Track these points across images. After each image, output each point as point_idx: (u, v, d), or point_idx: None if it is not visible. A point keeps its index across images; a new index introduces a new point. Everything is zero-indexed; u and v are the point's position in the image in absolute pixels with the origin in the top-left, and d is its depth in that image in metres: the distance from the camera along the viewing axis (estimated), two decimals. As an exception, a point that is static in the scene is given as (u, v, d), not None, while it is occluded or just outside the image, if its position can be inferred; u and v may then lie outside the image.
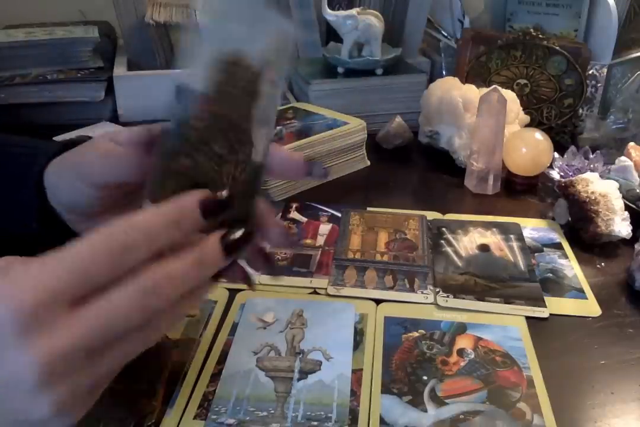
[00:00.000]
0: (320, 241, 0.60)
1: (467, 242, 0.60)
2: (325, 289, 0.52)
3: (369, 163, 0.78)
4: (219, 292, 0.52)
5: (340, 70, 0.88)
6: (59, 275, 0.26)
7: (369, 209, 0.66)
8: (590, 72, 0.83)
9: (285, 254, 0.57)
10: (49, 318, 0.25)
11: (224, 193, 0.31)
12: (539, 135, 0.71)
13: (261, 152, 0.32)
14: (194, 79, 0.33)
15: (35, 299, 0.25)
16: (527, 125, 0.79)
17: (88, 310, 0.26)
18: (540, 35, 0.81)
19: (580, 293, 0.53)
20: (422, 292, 0.52)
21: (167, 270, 0.28)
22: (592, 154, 0.71)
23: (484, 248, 0.59)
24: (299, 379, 0.43)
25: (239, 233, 0.31)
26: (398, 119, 0.82)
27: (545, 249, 0.59)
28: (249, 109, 0.32)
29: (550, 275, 0.55)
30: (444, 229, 0.62)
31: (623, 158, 0.67)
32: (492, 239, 0.60)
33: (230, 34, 0.32)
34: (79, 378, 0.26)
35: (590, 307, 0.51)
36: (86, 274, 0.27)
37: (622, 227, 0.58)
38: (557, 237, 0.62)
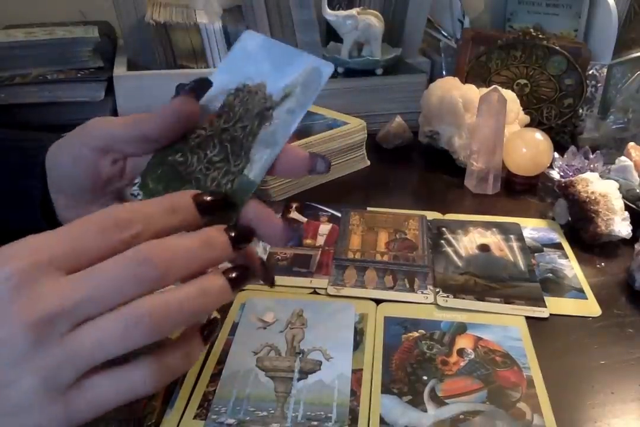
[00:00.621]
0: (320, 241, 0.60)
1: (467, 242, 0.60)
2: (325, 289, 0.52)
3: (369, 163, 0.78)
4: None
5: (340, 70, 0.88)
6: (51, 243, 0.27)
7: (369, 209, 0.66)
8: (590, 72, 0.83)
9: (285, 254, 0.57)
10: (40, 280, 0.26)
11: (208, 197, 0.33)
12: (539, 135, 0.71)
13: (257, 171, 0.35)
14: (208, 101, 0.37)
15: (29, 262, 0.26)
16: (527, 125, 0.79)
17: (78, 276, 0.27)
18: (540, 35, 0.81)
19: (580, 293, 0.53)
20: (422, 292, 0.52)
21: (165, 242, 0.29)
22: (592, 154, 0.71)
23: (484, 248, 0.59)
24: (299, 379, 0.43)
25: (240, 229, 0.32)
26: (398, 119, 0.82)
27: (545, 249, 0.59)
28: (255, 129, 0.35)
29: (550, 275, 0.55)
30: (444, 229, 0.62)
31: (623, 158, 0.67)
32: (492, 239, 0.60)
33: (255, 72, 0.37)
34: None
35: (590, 307, 0.51)
36: (78, 243, 0.28)
37: (622, 227, 0.58)
38: (557, 237, 0.62)
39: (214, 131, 0.36)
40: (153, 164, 0.37)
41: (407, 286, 0.53)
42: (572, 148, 0.73)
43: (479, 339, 0.47)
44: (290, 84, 0.36)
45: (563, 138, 0.83)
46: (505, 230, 0.62)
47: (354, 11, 0.84)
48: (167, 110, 0.36)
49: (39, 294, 0.26)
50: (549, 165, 0.72)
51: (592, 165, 0.70)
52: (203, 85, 0.37)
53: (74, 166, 0.39)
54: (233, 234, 0.31)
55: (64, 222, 0.42)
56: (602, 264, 0.58)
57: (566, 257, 0.58)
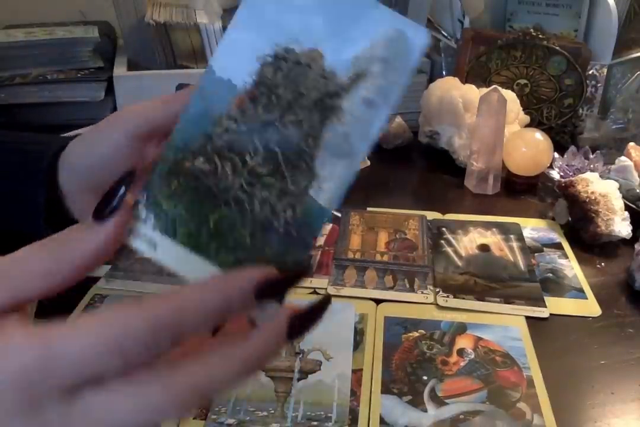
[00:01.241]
0: (320, 240, 0.60)
1: (467, 242, 0.60)
2: (325, 289, 0.52)
3: (369, 163, 0.78)
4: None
5: (340, 70, 0.88)
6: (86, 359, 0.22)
7: (369, 209, 0.66)
8: (590, 72, 0.83)
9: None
10: (42, 406, 0.21)
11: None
12: (539, 135, 0.71)
13: (330, 193, 0.24)
14: (231, 72, 0.24)
15: (26, 380, 0.21)
16: (527, 125, 0.79)
17: (91, 403, 0.22)
18: (540, 35, 0.81)
19: (580, 293, 0.53)
20: (422, 292, 0.52)
21: (209, 370, 0.23)
22: (592, 154, 0.71)
23: (484, 248, 0.59)
24: (299, 379, 0.43)
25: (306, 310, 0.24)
26: (398, 119, 0.82)
27: (545, 249, 0.59)
28: (317, 128, 0.24)
29: (550, 275, 0.55)
30: (444, 229, 0.62)
31: (623, 158, 0.67)
32: (492, 239, 0.60)
33: (300, 29, 0.23)
34: None
35: (590, 307, 0.51)
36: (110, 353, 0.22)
37: (622, 227, 0.58)
38: (557, 237, 0.62)
39: (250, 123, 0.24)
40: (161, 174, 0.25)
41: (407, 286, 0.53)
42: (572, 148, 0.72)
43: (479, 339, 0.47)
44: (362, 56, 0.23)
45: (563, 138, 0.83)
46: (505, 230, 0.62)
47: (354, 11, 0.84)
48: None
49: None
50: (549, 165, 0.72)
51: (592, 165, 0.70)
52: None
53: (114, 157, 0.39)
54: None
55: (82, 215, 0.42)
56: (602, 264, 0.58)
57: (566, 257, 0.58)
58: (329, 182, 0.24)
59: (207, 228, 0.25)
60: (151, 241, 0.25)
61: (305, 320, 0.24)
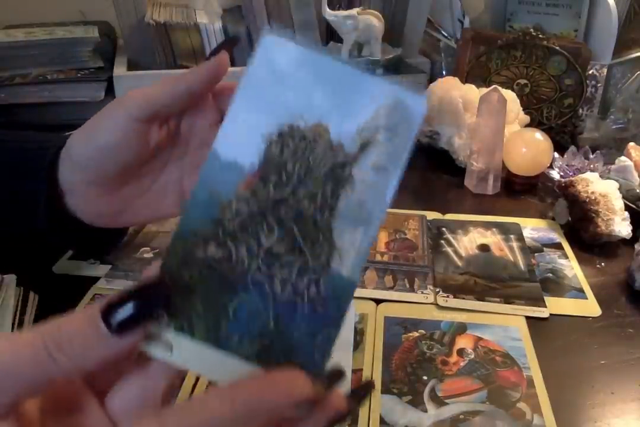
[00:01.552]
0: (320, 241, 0.60)
1: (467, 242, 0.60)
2: (325, 289, 0.52)
3: (369, 163, 0.78)
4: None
5: (340, 70, 0.88)
6: None
7: (369, 209, 0.66)
8: (590, 72, 0.83)
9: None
10: None
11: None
12: (539, 135, 0.71)
13: (351, 262, 0.23)
14: (237, 153, 0.24)
15: None
16: (527, 125, 0.79)
17: None
18: (540, 35, 0.81)
19: (580, 293, 0.53)
20: (422, 292, 0.52)
21: None
22: (592, 154, 0.71)
23: (484, 248, 0.59)
24: (299, 379, 0.43)
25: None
26: (398, 119, 0.82)
27: (545, 249, 0.59)
28: (331, 199, 0.23)
29: (550, 275, 0.55)
30: (444, 229, 0.62)
31: (623, 158, 0.67)
32: (492, 239, 0.60)
33: (303, 105, 0.24)
34: None
35: (590, 307, 0.51)
36: None
37: (622, 227, 0.58)
38: (557, 237, 0.62)
39: (261, 204, 0.24)
40: (171, 267, 0.24)
41: (407, 286, 0.53)
42: (572, 148, 0.73)
43: (479, 339, 0.47)
44: (366, 126, 0.23)
45: (563, 138, 0.83)
46: (505, 230, 0.62)
47: (354, 11, 0.84)
48: (205, 63, 0.37)
49: None
50: (549, 165, 0.72)
51: (592, 165, 0.70)
52: (232, 41, 0.38)
53: (117, 143, 0.39)
54: None
55: (89, 215, 0.42)
56: (602, 264, 0.58)
57: (566, 257, 0.58)
58: (350, 251, 0.23)
59: (226, 319, 0.23)
60: (167, 342, 0.23)
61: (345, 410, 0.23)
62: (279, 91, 0.24)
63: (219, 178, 0.24)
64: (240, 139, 0.24)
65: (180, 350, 0.23)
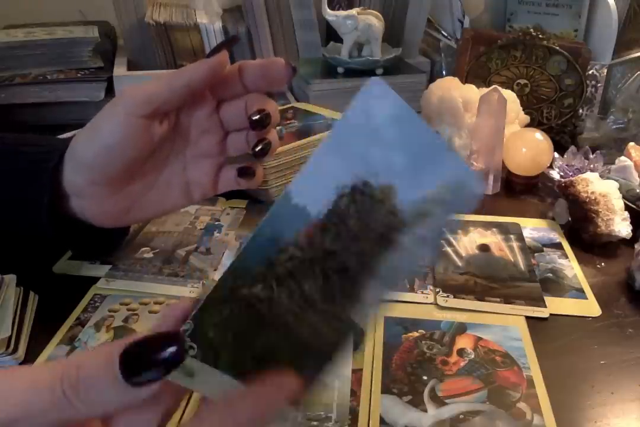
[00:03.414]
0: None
1: (467, 242, 0.60)
2: (325, 289, 0.52)
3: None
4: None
5: (340, 70, 0.88)
6: None
7: (369, 209, 0.66)
8: (590, 72, 0.83)
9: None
10: None
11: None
12: (539, 135, 0.71)
13: (366, 316, 0.25)
14: (309, 199, 0.25)
15: None
16: (527, 125, 0.79)
17: None
18: (540, 35, 0.81)
19: (580, 293, 0.53)
20: (422, 292, 0.52)
21: None
22: (592, 154, 0.71)
23: (484, 248, 0.59)
24: (299, 379, 0.43)
25: None
26: (398, 119, 0.81)
27: (545, 249, 0.59)
28: (371, 257, 0.24)
29: (550, 275, 0.55)
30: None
31: (623, 158, 0.67)
32: (492, 239, 0.60)
33: (382, 163, 0.24)
34: None
35: (590, 307, 0.51)
36: None
37: (622, 227, 0.58)
38: (557, 237, 0.62)
39: (315, 253, 0.24)
40: (214, 300, 0.24)
41: (407, 286, 0.53)
42: (572, 148, 0.72)
43: (479, 339, 0.47)
44: (429, 198, 0.24)
45: (563, 138, 0.83)
46: (505, 230, 0.62)
47: (354, 11, 0.84)
48: (205, 60, 0.37)
49: None
50: (549, 165, 0.72)
51: (592, 165, 0.70)
52: (232, 40, 0.39)
53: (120, 141, 0.39)
54: None
55: (97, 216, 0.42)
56: (602, 264, 0.58)
57: (566, 257, 0.58)
58: (368, 307, 0.24)
59: (251, 354, 0.25)
60: (189, 371, 0.24)
61: None
62: (365, 144, 0.24)
63: (285, 220, 0.25)
64: (316, 186, 0.24)
65: (201, 378, 0.24)
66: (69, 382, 0.21)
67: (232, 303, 0.24)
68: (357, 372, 0.43)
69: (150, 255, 0.56)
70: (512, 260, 0.57)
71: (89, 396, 0.21)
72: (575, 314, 0.50)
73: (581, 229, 0.60)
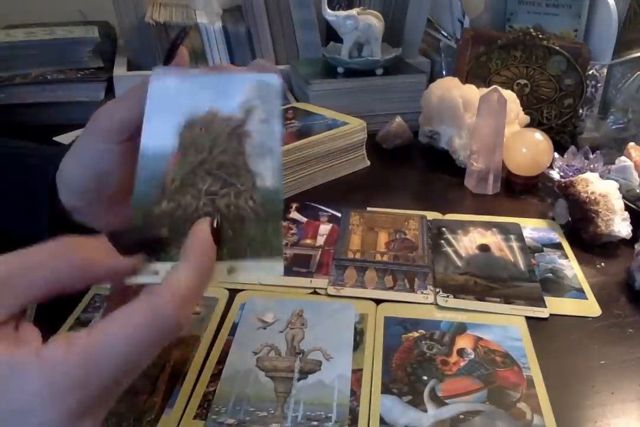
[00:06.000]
0: (320, 241, 0.60)
1: (467, 242, 0.60)
2: (325, 289, 0.52)
3: (369, 163, 0.78)
4: (219, 292, 0.52)
5: (340, 70, 0.88)
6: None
7: (369, 209, 0.66)
8: (590, 72, 0.83)
9: (285, 254, 0.57)
10: None
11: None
12: (539, 135, 0.71)
13: (271, 178, 0.33)
14: (162, 141, 0.34)
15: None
16: (527, 125, 0.79)
17: None
18: (540, 35, 0.81)
19: (580, 293, 0.53)
20: (422, 292, 0.52)
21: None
22: (592, 154, 0.71)
23: (484, 248, 0.59)
24: (299, 379, 0.43)
25: None
26: (398, 119, 0.82)
27: (545, 249, 0.59)
28: (237, 147, 0.34)
29: (550, 275, 0.55)
30: (444, 229, 0.62)
31: (623, 158, 0.67)
32: (492, 239, 0.60)
33: (197, 103, 0.34)
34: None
35: (590, 307, 0.51)
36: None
37: (622, 227, 0.58)
38: (557, 237, 0.62)
39: (189, 168, 0.33)
40: (150, 224, 0.33)
41: (407, 286, 0.53)
42: (572, 148, 0.72)
43: (479, 339, 0.47)
44: (245, 101, 0.34)
45: (563, 138, 0.83)
46: (505, 230, 0.62)
47: (354, 11, 0.84)
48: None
49: None
50: (549, 165, 0.72)
51: (592, 166, 0.70)
52: (183, 35, 0.40)
53: (105, 165, 0.38)
54: None
55: (98, 227, 0.42)
56: (602, 264, 0.58)
57: (566, 257, 0.58)
58: (267, 172, 0.33)
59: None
60: (154, 271, 0.31)
61: None
62: (176, 99, 0.35)
63: (152, 162, 0.33)
64: (159, 133, 0.34)
65: (163, 273, 0.31)
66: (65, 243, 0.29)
67: (155, 224, 0.32)
68: (357, 372, 0.43)
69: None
70: (512, 260, 0.57)
71: (84, 253, 0.29)
72: (575, 314, 0.50)
73: (581, 229, 0.60)
